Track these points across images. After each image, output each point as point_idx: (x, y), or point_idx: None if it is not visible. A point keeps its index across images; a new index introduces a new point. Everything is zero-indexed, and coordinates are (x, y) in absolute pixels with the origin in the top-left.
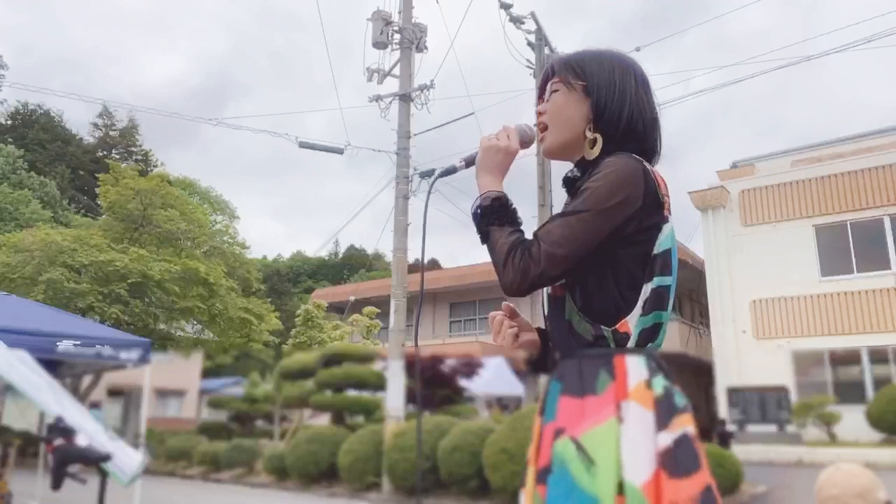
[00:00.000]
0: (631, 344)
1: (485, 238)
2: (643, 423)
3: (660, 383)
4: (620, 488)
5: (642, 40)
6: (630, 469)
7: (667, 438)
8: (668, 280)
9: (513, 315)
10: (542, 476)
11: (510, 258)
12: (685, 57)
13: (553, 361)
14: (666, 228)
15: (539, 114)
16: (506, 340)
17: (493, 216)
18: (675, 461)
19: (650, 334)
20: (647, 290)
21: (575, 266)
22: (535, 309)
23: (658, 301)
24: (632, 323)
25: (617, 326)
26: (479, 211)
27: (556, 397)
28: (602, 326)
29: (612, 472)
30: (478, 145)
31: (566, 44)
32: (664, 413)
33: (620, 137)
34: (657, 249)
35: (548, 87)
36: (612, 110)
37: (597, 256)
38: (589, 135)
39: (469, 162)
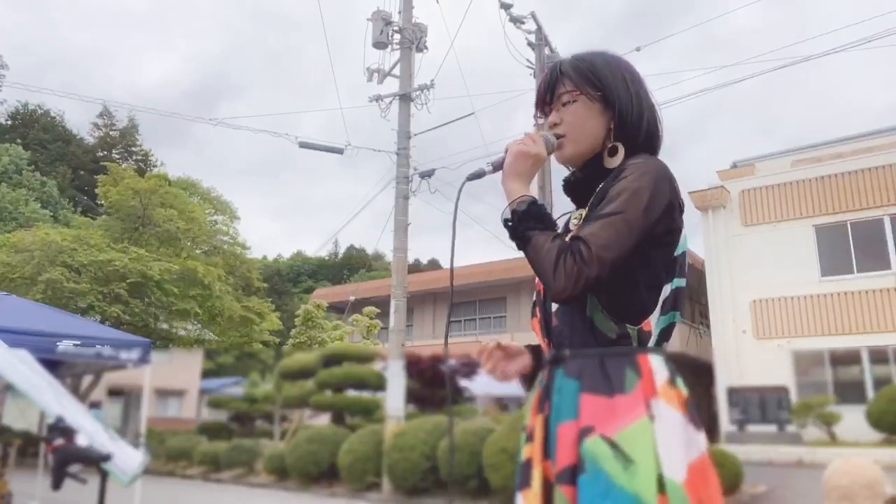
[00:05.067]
0: (651, 342)
1: (525, 242)
2: (673, 422)
3: (681, 383)
4: (660, 486)
5: (632, 40)
6: (669, 467)
7: (703, 437)
8: (683, 281)
9: (504, 349)
10: (567, 476)
11: (560, 263)
12: (675, 56)
13: (557, 359)
14: (683, 231)
15: (554, 124)
16: (496, 377)
17: (533, 220)
18: (711, 459)
19: (667, 333)
20: (667, 290)
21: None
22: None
23: (675, 301)
24: (653, 322)
25: (642, 325)
26: (515, 216)
27: (575, 395)
28: (627, 325)
29: (651, 471)
30: (505, 150)
31: (560, 44)
32: (694, 413)
33: (641, 144)
34: (678, 251)
35: (559, 94)
36: (633, 120)
37: (629, 256)
38: (609, 144)
39: (497, 166)
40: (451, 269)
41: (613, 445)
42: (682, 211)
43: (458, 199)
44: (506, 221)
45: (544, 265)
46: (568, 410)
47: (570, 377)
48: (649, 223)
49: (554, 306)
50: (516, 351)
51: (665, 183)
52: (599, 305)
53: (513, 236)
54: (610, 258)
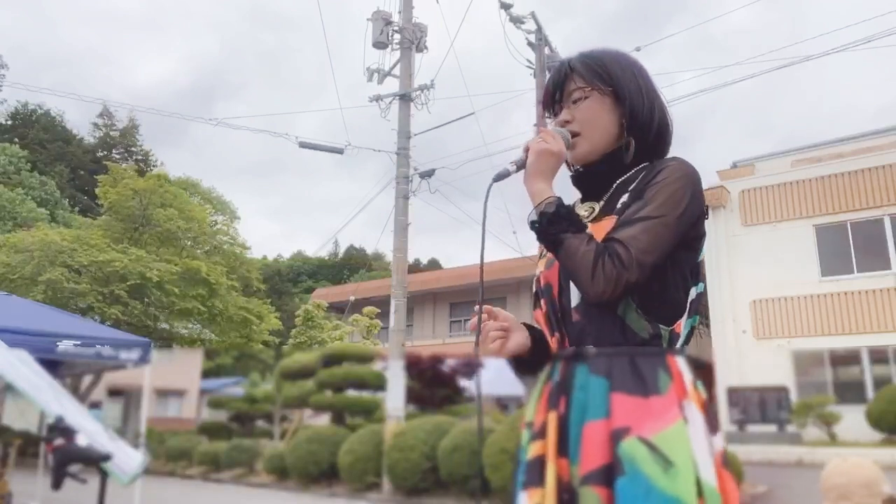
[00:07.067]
0: (679, 344)
1: (558, 245)
2: (699, 424)
3: (701, 386)
4: (699, 489)
5: (627, 40)
6: (704, 469)
7: (720, 438)
8: (702, 286)
9: (494, 316)
10: (599, 477)
11: (599, 267)
12: (671, 57)
13: (579, 356)
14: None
15: (566, 121)
16: (493, 349)
17: (565, 222)
18: (730, 462)
19: (690, 337)
20: (693, 293)
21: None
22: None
23: (698, 304)
24: (681, 323)
25: (674, 327)
26: (545, 218)
27: (604, 394)
28: (661, 325)
29: (690, 474)
30: (526, 148)
31: (556, 44)
32: (713, 416)
33: (653, 139)
34: (701, 256)
35: (569, 91)
36: (644, 116)
37: (665, 259)
38: (624, 139)
39: (520, 165)
40: (482, 270)
41: (652, 447)
42: (705, 214)
43: (486, 199)
44: (533, 223)
45: (581, 269)
46: (596, 409)
47: (598, 375)
48: (684, 228)
49: (574, 301)
50: (513, 324)
51: (699, 189)
52: (633, 305)
53: (542, 239)
54: (649, 262)
